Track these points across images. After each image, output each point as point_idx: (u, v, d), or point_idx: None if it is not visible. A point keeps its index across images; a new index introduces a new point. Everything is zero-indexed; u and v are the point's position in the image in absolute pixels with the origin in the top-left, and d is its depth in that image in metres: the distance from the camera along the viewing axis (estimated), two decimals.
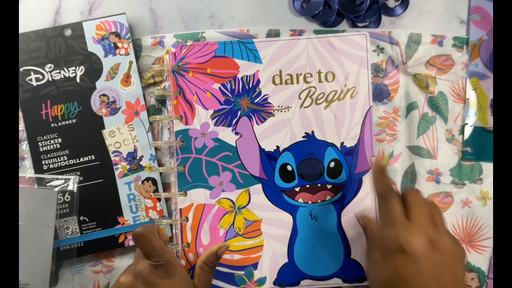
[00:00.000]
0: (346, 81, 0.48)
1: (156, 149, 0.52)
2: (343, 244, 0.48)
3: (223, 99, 0.48)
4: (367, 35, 0.49)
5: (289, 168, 0.48)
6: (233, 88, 0.48)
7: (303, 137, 0.48)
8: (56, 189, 0.51)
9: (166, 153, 0.53)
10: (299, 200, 0.48)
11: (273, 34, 0.52)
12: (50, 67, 0.52)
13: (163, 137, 0.53)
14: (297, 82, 0.48)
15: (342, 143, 0.48)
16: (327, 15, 0.53)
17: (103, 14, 0.53)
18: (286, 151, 0.48)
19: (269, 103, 0.48)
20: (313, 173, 0.48)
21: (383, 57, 0.52)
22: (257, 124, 0.48)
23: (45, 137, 0.51)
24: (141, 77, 0.52)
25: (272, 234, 0.48)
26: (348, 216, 0.48)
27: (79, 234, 0.51)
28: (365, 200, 0.48)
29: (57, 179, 0.51)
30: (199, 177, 0.48)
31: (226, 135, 0.48)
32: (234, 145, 0.48)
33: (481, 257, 0.52)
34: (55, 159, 0.51)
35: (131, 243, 0.51)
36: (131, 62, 0.52)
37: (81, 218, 0.51)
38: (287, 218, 0.48)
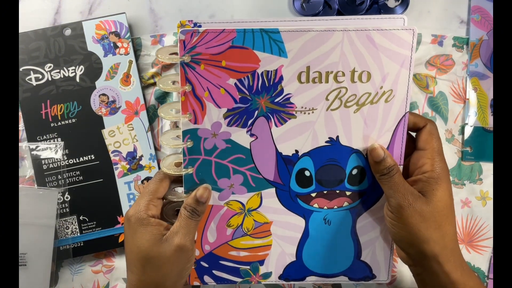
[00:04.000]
0: (383, 82, 0.42)
1: (156, 148, 0.52)
2: (355, 247, 0.47)
3: (239, 96, 0.43)
4: (415, 31, 0.41)
5: (307, 173, 0.45)
6: (251, 84, 0.42)
7: (326, 142, 0.44)
8: (43, 156, 0.51)
9: (165, 153, 0.53)
10: (314, 205, 0.46)
11: None
12: (50, 66, 0.51)
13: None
14: (326, 81, 0.42)
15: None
16: (327, 15, 0.53)
17: (103, 14, 0.53)
18: (306, 156, 0.44)
19: (292, 103, 0.43)
20: (332, 180, 0.45)
21: None
22: (276, 125, 0.43)
23: (44, 137, 0.51)
24: (141, 76, 0.52)
25: (282, 235, 0.46)
26: (364, 222, 0.46)
27: (79, 234, 0.51)
28: (385, 208, 0.45)
29: (42, 149, 0.51)
30: (208, 179, 0.44)
31: (240, 136, 0.43)
32: (248, 147, 0.44)
33: (481, 257, 0.52)
34: (55, 158, 0.51)
35: None
36: (130, 62, 0.52)
37: (81, 217, 0.51)
38: (299, 221, 0.46)
